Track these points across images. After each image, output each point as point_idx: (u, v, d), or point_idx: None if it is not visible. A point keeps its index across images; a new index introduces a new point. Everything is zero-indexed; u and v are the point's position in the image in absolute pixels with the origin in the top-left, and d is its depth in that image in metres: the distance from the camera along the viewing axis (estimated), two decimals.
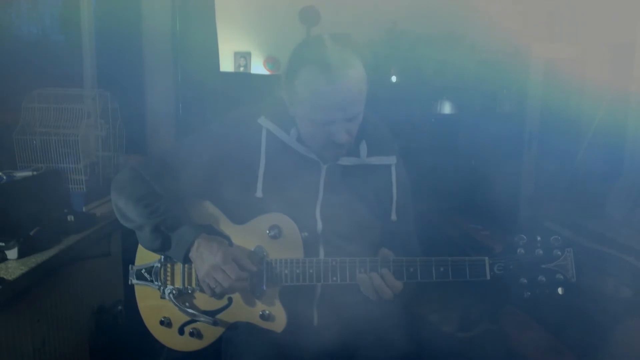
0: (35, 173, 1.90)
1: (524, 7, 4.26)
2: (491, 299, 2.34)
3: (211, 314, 1.35)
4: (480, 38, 4.24)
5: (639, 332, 2.02)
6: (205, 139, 1.41)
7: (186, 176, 1.34)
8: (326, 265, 1.28)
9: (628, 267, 2.22)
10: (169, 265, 1.39)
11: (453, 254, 1.26)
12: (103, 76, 2.74)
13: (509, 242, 1.27)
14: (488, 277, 1.25)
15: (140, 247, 1.41)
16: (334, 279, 1.28)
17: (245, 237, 1.34)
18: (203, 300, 1.37)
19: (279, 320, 1.32)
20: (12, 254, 1.56)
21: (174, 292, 1.37)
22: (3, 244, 1.56)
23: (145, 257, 1.41)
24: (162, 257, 1.38)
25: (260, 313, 1.32)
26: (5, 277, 1.42)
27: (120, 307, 2.09)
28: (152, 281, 1.40)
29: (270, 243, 1.32)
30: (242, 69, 4.26)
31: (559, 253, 1.24)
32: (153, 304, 1.40)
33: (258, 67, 4.28)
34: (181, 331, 1.39)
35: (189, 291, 1.38)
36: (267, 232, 1.32)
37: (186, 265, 1.36)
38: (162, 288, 1.39)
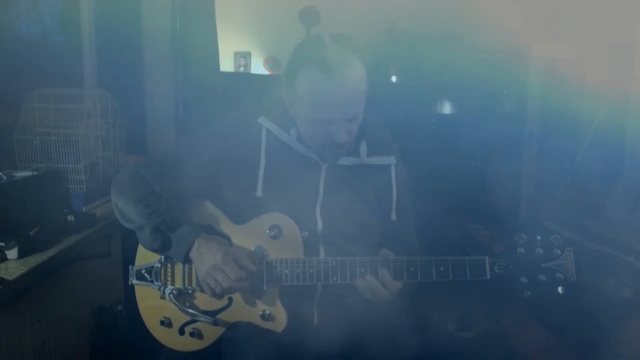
0: (35, 173, 1.90)
1: (524, 7, 4.25)
2: (491, 298, 2.34)
3: (211, 314, 1.35)
4: (480, 38, 4.24)
5: (639, 332, 2.02)
6: (205, 138, 1.41)
7: (186, 176, 1.34)
8: (326, 265, 1.28)
9: (628, 267, 2.22)
10: (169, 265, 1.39)
11: (453, 254, 1.26)
12: (103, 76, 2.74)
13: (509, 242, 1.27)
14: (488, 277, 1.25)
15: (140, 247, 1.41)
16: (334, 278, 1.27)
17: (245, 237, 1.34)
18: (203, 300, 1.37)
19: (279, 320, 1.32)
20: (12, 254, 1.56)
21: (174, 292, 1.37)
22: (3, 244, 1.56)
23: (145, 257, 1.41)
24: (162, 257, 1.38)
25: (261, 313, 1.32)
26: (5, 277, 1.42)
27: (120, 307, 2.09)
28: (152, 281, 1.40)
29: (271, 243, 1.32)
30: (242, 69, 4.26)
31: (559, 252, 1.24)
32: (153, 304, 1.40)
33: (258, 67, 4.28)
34: (181, 331, 1.39)
35: (189, 291, 1.38)
36: (267, 232, 1.32)
37: (186, 265, 1.36)
38: (162, 288, 1.39)
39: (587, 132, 3.60)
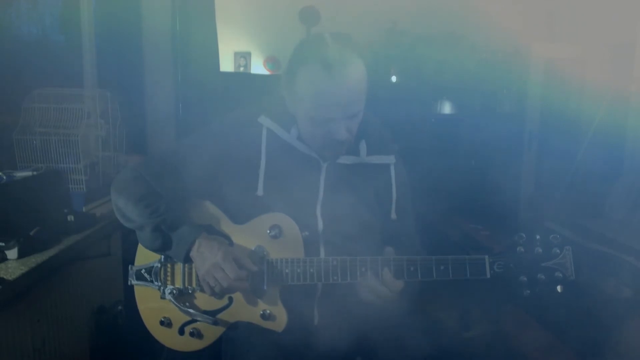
0: (35, 173, 1.90)
1: (524, 7, 4.25)
2: (491, 298, 2.34)
3: (212, 313, 1.35)
4: (480, 38, 4.24)
5: (639, 332, 2.02)
6: (205, 138, 1.41)
7: (187, 176, 1.35)
8: (327, 264, 1.28)
9: (628, 267, 2.22)
10: (169, 265, 1.39)
11: (453, 254, 1.27)
12: (103, 76, 2.74)
13: (508, 241, 1.27)
14: (488, 276, 1.25)
15: (140, 248, 1.41)
16: (335, 278, 1.28)
17: (245, 236, 1.34)
18: (203, 300, 1.37)
19: (280, 320, 1.32)
20: (12, 254, 1.56)
21: (174, 292, 1.37)
22: (3, 244, 1.56)
23: (145, 257, 1.41)
24: (162, 257, 1.38)
25: (261, 312, 1.32)
26: (5, 277, 1.42)
27: (120, 307, 2.09)
28: (152, 281, 1.40)
29: (271, 243, 1.32)
30: (242, 69, 4.26)
31: (558, 251, 1.25)
32: (153, 304, 1.40)
33: (258, 67, 4.28)
34: (181, 331, 1.38)
35: (189, 291, 1.38)
36: (268, 232, 1.32)
37: (186, 265, 1.36)
38: (162, 288, 1.38)
39: (587, 132, 3.60)
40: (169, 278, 1.39)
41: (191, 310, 1.35)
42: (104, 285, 2.07)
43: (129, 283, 1.42)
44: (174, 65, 3.07)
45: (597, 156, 3.42)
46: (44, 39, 2.60)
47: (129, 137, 2.44)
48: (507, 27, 4.02)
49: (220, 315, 1.35)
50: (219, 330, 1.37)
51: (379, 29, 4.18)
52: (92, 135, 2.26)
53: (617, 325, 2.10)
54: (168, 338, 1.40)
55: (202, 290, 1.35)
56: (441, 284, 1.26)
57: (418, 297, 1.37)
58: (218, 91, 3.28)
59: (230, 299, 1.35)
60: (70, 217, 1.88)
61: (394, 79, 4.26)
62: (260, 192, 1.35)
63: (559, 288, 1.24)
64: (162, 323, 1.39)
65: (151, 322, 1.41)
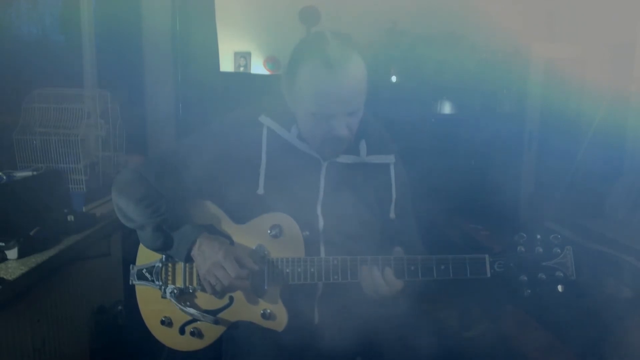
0: (35, 173, 1.90)
1: (524, 7, 4.25)
2: (492, 298, 2.34)
3: (212, 313, 1.35)
4: (480, 38, 4.24)
5: (639, 332, 2.02)
6: (206, 138, 1.41)
7: (187, 176, 1.35)
8: (327, 263, 1.28)
9: (628, 267, 2.22)
10: (170, 265, 1.39)
11: (453, 254, 1.27)
12: (103, 76, 2.74)
13: (509, 240, 1.27)
14: (488, 275, 1.25)
15: (141, 247, 1.41)
16: (335, 277, 1.28)
17: (246, 236, 1.34)
18: (204, 300, 1.37)
19: (280, 319, 1.32)
20: (12, 254, 1.56)
21: (175, 291, 1.37)
22: (3, 244, 1.56)
23: (146, 257, 1.41)
24: (164, 256, 1.38)
25: (262, 312, 1.32)
26: (5, 277, 1.42)
27: (120, 307, 2.09)
28: (153, 281, 1.39)
29: (272, 242, 1.32)
30: (242, 69, 4.26)
31: (559, 251, 1.25)
32: (154, 304, 1.40)
33: (258, 67, 4.28)
34: (182, 331, 1.38)
35: (190, 290, 1.38)
36: (269, 231, 1.32)
37: (187, 265, 1.36)
38: (163, 288, 1.38)
39: (587, 132, 3.60)
40: (170, 278, 1.39)
41: (192, 310, 1.35)
42: (104, 285, 2.07)
43: (131, 283, 1.42)
44: (174, 65, 3.07)
45: (597, 156, 3.42)
46: (44, 39, 2.60)
47: (129, 137, 2.44)
48: (507, 27, 4.02)
49: (220, 315, 1.35)
50: (219, 330, 1.37)
51: (379, 29, 4.18)
52: (92, 135, 2.26)
53: (617, 325, 2.10)
54: (169, 338, 1.40)
55: (203, 290, 1.35)
56: (442, 284, 1.26)
57: (419, 297, 1.37)
58: (218, 91, 3.28)
59: (231, 299, 1.35)
60: (70, 217, 1.88)
61: (394, 79, 4.26)
62: (261, 190, 1.35)
63: (559, 288, 1.24)
64: (162, 323, 1.39)
65: (152, 322, 1.41)
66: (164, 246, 1.32)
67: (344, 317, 1.33)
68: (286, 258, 1.30)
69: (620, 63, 3.59)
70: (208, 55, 3.26)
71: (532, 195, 4.26)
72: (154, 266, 1.39)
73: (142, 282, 1.41)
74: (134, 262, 1.43)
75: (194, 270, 1.36)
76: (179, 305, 1.36)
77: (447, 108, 4.41)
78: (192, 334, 1.37)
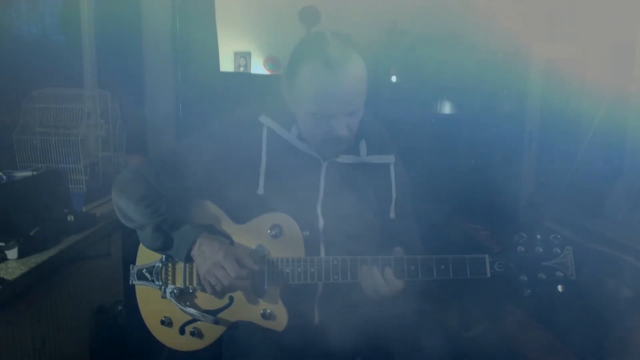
0: (35, 173, 1.90)
1: (524, 7, 4.25)
2: (492, 298, 2.34)
3: (212, 313, 1.35)
4: (480, 38, 4.24)
5: (639, 332, 2.02)
6: (206, 138, 1.41)
7: (187, 176, 1.35)
8: (327, 263, 1.28)
9: (628, 267, 2.22)
10: (170, 265, 1.39)
11: (453, 254, 1.27)
12: (103, 76, 2.74)
13: (509, 240, 1.27)
14: (488, 275, 1.25)
15: (141, 248, 1.41)
16: (335, 277, 1.28)
17: (246, 236, 1.35)
18: (204, 300, 1.37)
19: (280, 319, 1.32)
20: (12, 254, 1.56)
21: (175, 291, 1.37)
22: (3, 244, 1.56)
23: (146, 257, 1.41)
24: (164, 256, 1.38)
25: (262, 312, 1.32)
26: (5, 277, 1.42)
27: (120, 307, 2.09)
28: (153, 281, 1.40)
29: (272, 242, 1.32)
30: (242, 69, 4.26)
31: (559, 251, 1.25)
32: (154, 304, 1.40)
33: (258, 67, 4.28)
34: (182, 331, 1.38)
35: (190, 290, 1.38)
36: (269, 231, 1.32)
37: (187, 265, 1.37)
38: (163, 288, 1.38)
39: (587, 132, 3.59)
40: (170, 278, 1.39)
41: (192, 310, 1.35)
42: (104, 285, 2.07)
43: (131, 283, 1.42)
44: (174, 65, 3.07)
45: (597, 156, 3.42)
46: (44, 39, 2.60)
47: (129, 137, 2.44)
48: (507, 27, 4.02)
49: (220, 315, 1.35)
50: (219, 330, 1.37)
51: (379, 29, 4.18)
52: (92, 135, 2.26)
53: (617, 325, 2.10)
54: (169, 338, 1.40)
55: (203, 290, 1.35)
56: (442, 284, 1.26)
57: (419, 297, 1.37)
58: (218, 91, 3.28)
59: (231, 299, 1.35)
60: (70, 217, 1.87)
61: (394, 79, 4.26)
62: (261, 190, 1.35)
63: (559, 288, 1.24)
64: (162, 323, 1.39)
65: (152, 322, 1.41)
66: (164, 246, 1.32)
67: (344, 317, 1.33)
68: (286, 258, 1.30)
69: (620, 63, 3.59)
70: (208, 55, 3.25)
71: (532, 195, 4.26)
72: (154, 266, 1.39)
73: (142, 282, 1.41)
74: (134, 262, 1.43)
75: (194, 270, 1.36)
76: (179, 305, 1.36)
77: (447, 108, 4.41)
78: (192, 334, 1.37)
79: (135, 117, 2.80)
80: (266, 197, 1.34)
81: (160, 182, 1.34)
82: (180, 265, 1.38)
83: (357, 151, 1.41)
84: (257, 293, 1.32)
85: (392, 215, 1.42)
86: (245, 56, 4.26)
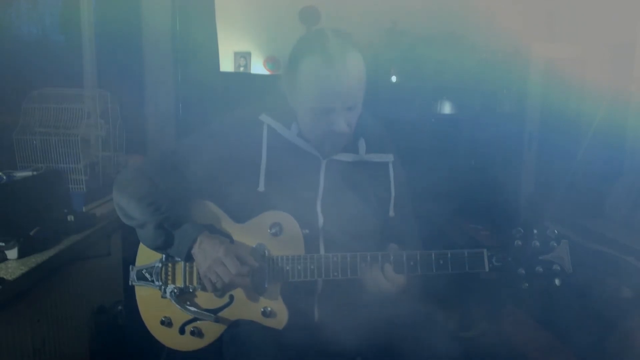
0: (35, 173, 1.89)
1: (524, 7, 4.25)
2: (491, 296, 2.34)
3: (213, 312, 1.36)
4: (480, 38, 4.24)
5: (639, 332, 2.02)
6: (206, 137, 1.42)
7: (188, 174, 1.35)
8: (327, 260, 1.29)
9: (628, 267, 2.22)
10: (170, 264, 1.39)
11: None
12: (103, 76, 2.74)
13: (506, 235, 1.29)
14: (487, 269, 1.27)
15: (141, 248, 1.42)
16: (335, 274, 1.29)
17: (246, 235, 1.35)
18: (204, 299, 1.37)
19: (281, 317, 1.32)
20: (12, 254, 1.56)
21: (175, 291, 1.37)
22: (3, 244, 1.56)
23: (146, 257, 1.41)
24: (164, 257, 1.39)
25: (262, 310, 1.33)
26: (5, 277, 1.42)
27: (120, 307, 2.09)
28: (152, 281, 1.40)
29: (272, 240, 1.33)
30: (242, 69, 4.26)
31: (555, 244, 1.26)
32: (154, 304, 1.40)
33: (258, 67, 4.28)
34: (182, 330, 1.39)
35: (190, 290, 1.38)
36: (269, 229, 1.32)
37: (187, 264, 1.37)
38: (163, 288, 1.39)
39: (587, 132, 3.59)
40: (169, 277, 1.39)
41: (192, 309, 1.35)
42: (104, 285, 2.07)
43: (130, 283, 1.42)
44: (174, 65, 3.06)
45: (597, 156, 3.41)
46: (44, 39, 2.60)
47: (129, 137, 2.44)
48: (507, 27, 4.01)
49: (221, 314, 1.36)
50: (219, 329, 1.37)
51: (379, 29, 4.18)
52: (92, 135, 2.26)
53: (617, 325, 2.10)
54: (169, 338, 1.40)
55: (203, 289, 1.35)
56: (442, 282, 1.27)
57: (419, 296, 1.37)
58: (218, 91, 3.28)
59: (231, 297, 1.35)
60: (70, 217, 1.87)
61: (394, 79, 4.25)
62: (261, 187, 1.36)
63: (557, 281, 1.25)
64: (162, 323, 1.39)
65: (151, 322, 1.41)
66: (165, 244, 1.33)
67: (344, 315, 1.34)
68: (286, 256, 1.31)
69: (620, 63, 3.59)
70: (208, 55, 3.26)
71: (532, 195, 4.26)
72: (153, 266, 1.39)
73: (142, 283, 1.41)
74: (133, 263, 1.43)
75: (194, 269, 1.36)
76: (180, 305, 1.36)
77: (447, 108, 4.40)
78: (192, 333, 1.37)
79: (135, 117, 2.80)
80: (266, 195, 1.35)
81: (162, 180, 1.35)
82: (180, 265, 1.38)
83: (356, 149, 1.42)
84: (257, 291, 1.33)
85: (391, 213, 1.43)
86: (245, 56, 4.25)
